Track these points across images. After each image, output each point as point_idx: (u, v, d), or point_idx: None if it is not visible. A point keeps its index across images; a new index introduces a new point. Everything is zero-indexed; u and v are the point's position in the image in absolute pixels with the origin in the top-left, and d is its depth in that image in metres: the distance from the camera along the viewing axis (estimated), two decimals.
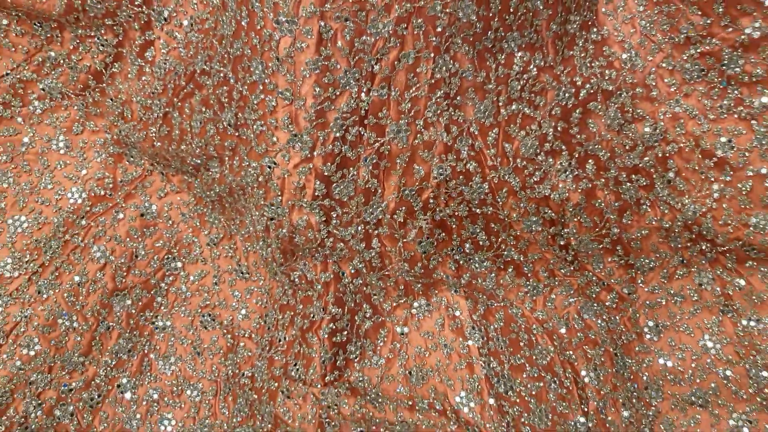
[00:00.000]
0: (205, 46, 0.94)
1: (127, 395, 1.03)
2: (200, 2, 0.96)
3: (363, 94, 0.82)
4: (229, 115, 0.89)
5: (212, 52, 0.91)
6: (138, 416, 1.02)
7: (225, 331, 1.06)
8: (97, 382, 1.02)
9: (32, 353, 1.00)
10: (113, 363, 1.03)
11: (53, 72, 1.07)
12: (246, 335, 1.05)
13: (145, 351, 1.05)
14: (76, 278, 1.03)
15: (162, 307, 1.07)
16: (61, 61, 1.07)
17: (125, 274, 1.05)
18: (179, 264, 1.09)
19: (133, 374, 1.04)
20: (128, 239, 1.07)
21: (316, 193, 0.87)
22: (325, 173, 0.86)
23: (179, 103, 0.98)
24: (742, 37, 0.90)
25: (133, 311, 1.05)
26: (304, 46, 0.78)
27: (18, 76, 1.06)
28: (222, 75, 0.89)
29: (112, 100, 1.07)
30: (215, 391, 1.04)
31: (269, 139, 0.84)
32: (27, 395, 0.98)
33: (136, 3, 0.99)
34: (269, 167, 0.86)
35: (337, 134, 0.84)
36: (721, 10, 0.90)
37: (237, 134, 0.89)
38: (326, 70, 0.80)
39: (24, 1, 1.01)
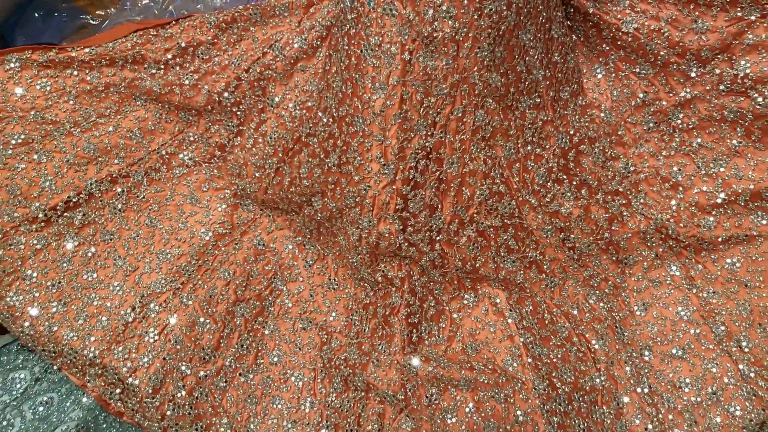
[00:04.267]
0: (309, 117, 1.34)
1: (246, 381, 1.33)
2: (302, 92, 1.38)
3: (429, 137, 1.22)
4: (334, 158, 1.28)
5: (316, 120, 1.32)
6: (255, 397, 1.32)
7: (319, 329, 1.38)
8: (224, 371, 1.33)
9: (178, 347, 1.31)
10: (236, 356, 1.34)
11: (190, 147, 1.47)
12: (337, 330, 1.38)
13: (259, 348, 1.37)
14: (209, 291, 1.37)
15: (270, 315, 1.40)
16: (196, 139, 1.47)
17: (243, 289, 1.39)
18: (283, 281, 1.43)
19: (250, 365, 1.35)
20: (245, 263, 1.41)
21: (397, 207, 1.24)
22: (403, 192, 1.23)
23: (288, 159, 1.37)
24: (678, 98, 1.32)
25: (249, 317, 1.38)
26: (391, 104, 1.19)
27: (166, 150, 1.46)
28: (328, 132, 1.29)
29: (232, 164, 1.46)
30: (314, 376, 1.35)
31: (366, 169, 1.23)
32: (174, 379, 1.28)
33: (256, 94, 1.41)
34: (365, 190, 1.24)
35: (412, 164, 1.22)
36: (663, 81, 1.33)
37: (340, 171, 1.28)
38: (405, 119, 1.19)
39: (177, 98, 1.42)
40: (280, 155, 1.37)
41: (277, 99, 1.39)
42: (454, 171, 1.24)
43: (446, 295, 1.35)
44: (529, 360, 1.25)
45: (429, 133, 1.20)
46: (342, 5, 1.21)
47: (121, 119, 1.40)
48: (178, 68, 1.40)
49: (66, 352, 1.28)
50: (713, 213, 1.31)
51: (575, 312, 1.35)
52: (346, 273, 1.41)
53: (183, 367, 1.28)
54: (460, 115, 1.20)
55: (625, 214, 1.36)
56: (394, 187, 1.22)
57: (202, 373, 1.29)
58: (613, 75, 1.36)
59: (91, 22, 1.71)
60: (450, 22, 1.12)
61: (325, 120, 1.28)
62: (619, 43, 1.32)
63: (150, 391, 1.24)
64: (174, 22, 1.41)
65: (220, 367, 1.31)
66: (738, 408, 1.21)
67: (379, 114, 1.18)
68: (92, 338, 1.28)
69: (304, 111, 1.34)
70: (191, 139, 1.46)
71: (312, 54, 1.36)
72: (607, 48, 1.35)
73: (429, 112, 1.18)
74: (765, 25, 1.20)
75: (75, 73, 1.35)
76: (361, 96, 1.19)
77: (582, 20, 1.35)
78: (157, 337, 1.30)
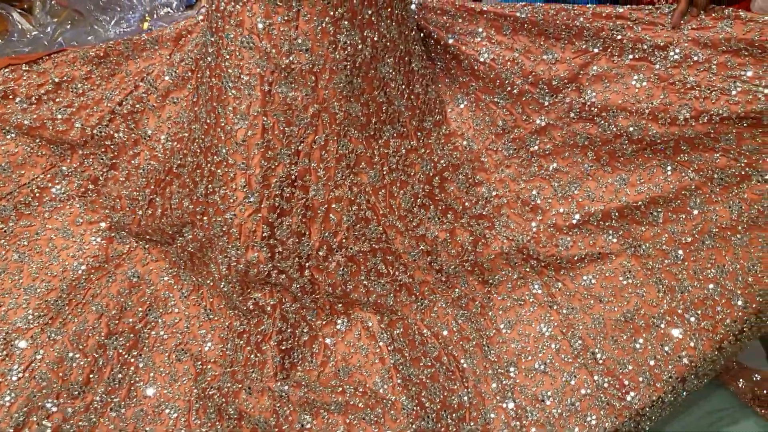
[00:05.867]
0: (179, 148, 1.36)
1: (117, 416, 1.31)
2: (174, 124, 1.40)
3: (293, 165, 1.25)
4: (201, 188, 1.29)
5: (186, 151, 1.34)
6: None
7: (195, 360, 1.38)
8: (94, 406, 1.30)
9: (44, 384, 1.28)
10: (107, 390, 1.32)
11: (63, 180, 1.46)
12: (212, 360, 1.38)
13: (132, 381, 1.35)
14: (80, 326, 1.35)
15: (145, 347, 1.39)
16: (70, 173, 1.46)
17: (117, 322, 1.38)
18: (158, 313, 1.42)
19: (123, 399, 1.33)
20: (118, 296, 1.40)
21: (264, 235, 1.26)
22: (270, 220, 1.26)
23: (160, 190, 1.38)
24: (535, 126, 1.41)
25: (122, 350, 1.36)
26: (253, 134, 1.21)
27: (37, 184, 1.44)
28: (196, 163, 1.30)
29: (105, 197, 1.46)
30: (188, 407, 1.34)
31: (231, 198, 1.25)
32: (39, 417, 1.25)
33: (130, 127, 1.42)
34: (231, 218, 1.25)
35: (277, 192, 1.24)
36: (520, 110, 1.41)
37: (207, 200, 1.29)
38: (268, 148, 1.22)
39: (49, 132, 1.41)
40: (153, 187, 1.38)
41: (150, 131, 1.40)
42: (321, 198, 1.27)
43: (319, 320, 1.37)
44: (399, 381, 1.28)
45: (293, 162, 1.24)
46: (204, 38, 1.24)
47: None
48: (51, 103, 1.40)
49: None
50: (569, 233, 1.39)
51: (445, 332, 1.39)
52: (222, 303, 1.41)
53: (48, 405, 1.25)
54: (323, 143, 1.24)
55: (488, 236, 1.42)
56: (260, 215, 1.24)
57: (69, 409, 1.27)
58: (475, 105, 1.44)
59: None
60: (306, 55, 1.16)
61: (194, 150, 1.30)
62: (477, 73, 1.40)
63: (11, 431, 1.21)
64: (47, 57, 1.41)
65: (90, 402, 1.29)
66: (594, 417, 1.28)
67: (242, 143, 1.21)
68: None
69: (176, 143, 1.36)
70: (65, 172, 1.45)
71: (183, 86, 1.38)
72: (467, 79, 1.43)
73: (292, 141, 1.22)
74: (606, 57, 1.31)
75: None
76: (223, 126, 1.21)
77: (442, 52, 1.43)
78: (21, 375, 1.27)
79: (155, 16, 2.35)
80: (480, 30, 1.38)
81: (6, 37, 2.07)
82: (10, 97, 1.39)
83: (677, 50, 1.23)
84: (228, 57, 1.18)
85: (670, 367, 1.27)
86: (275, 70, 1.17)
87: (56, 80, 1.39)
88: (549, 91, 1.36)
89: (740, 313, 1.24)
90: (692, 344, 1.27)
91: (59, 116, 1.39)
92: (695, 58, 1.22)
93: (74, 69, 1.41)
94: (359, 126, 1.26)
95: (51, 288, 1.37)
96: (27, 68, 1.40)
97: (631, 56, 1.28)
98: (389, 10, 1.21)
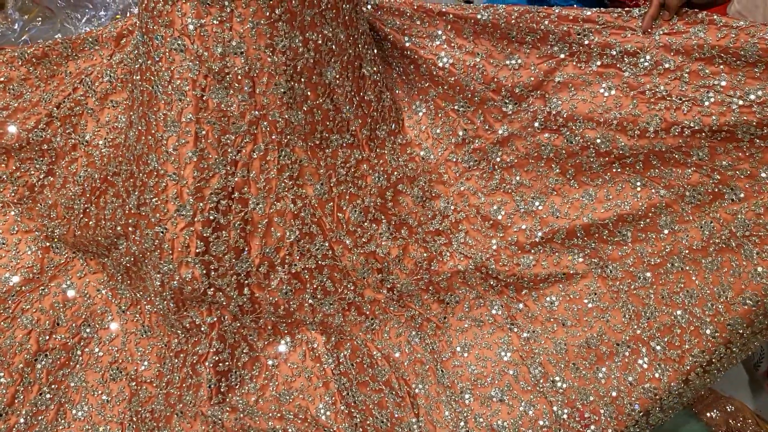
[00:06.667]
0: (116, 155, 1.28)
1: None
2: (112, 129, 1.32)
3: (230, 176, 1.17)
4: (134, 198, 1.21)
5: (121, 158, 1.25)
6: None
7: (130, 380, 1.30)
8: (18, 428, 1.23)
9: None
10: (33, 412, 1.25)
11: None
12: (147, 381, 1.30)
13: (62, 402, 1.27)
14: (6, 342, 1.27)
15: (77, 365, 1.31)
16: (5, 179, 1.39)
17: (48, 337, 1.30)
18: (93, 329, 1.35)
19: (50, 421, 1.25)
20: (51, 310, 1.32)
21: (198, 250, 1.17)
22: (204, 234, 1.17)
23: (95, 199, 1.30)
24: (497, 136, 1.32)
25: (53, 369, 1.29)
26: (185, 142, 1.13)
27: None
28: (129, 171, 1.22)
29: (42, 205, 1.38)
30: (121, 430, 1.26)
31: (162, 210, 1.16)
32: None
33: (68, 131, 1.34)
34: (162, 232, 1.17)
35: (212, 205, 1.16)
36: (481, 119, 1.32)
37: (139, 212, 1.21)
38: (201, 158, 1.13)
39: None
40: (88, 195, 1.30)
41: (88, 136, 1.33)
42: (261, 211, 1.19)
43: (261, 341, 1.29)
44: (343, 407, 1.20)
45: (230, 172, 1.15)
46: (135, 40, 1.16)
47: None
48: None
49: None
50: (532, 251, 1.30)
51: (397, 354, 1.31)
52: (160, 319, 1.33)
53: None
54: (263, 153, 1.16)
55: (445, 253, 1.33)
56: (193, 228, 1.16)
57: None
58: (434, 112, 1.35)
59: None
60: (241, 59, 1.08)
61: (128, 158, 1.22)
62: (436, 79, 1.31)
63: None
64: None
65: (13, 425, 1.21)
66: None
67: (173, 153, 1.12)
68: None
69: (112, 149, 1.28)
70: None
71: (122, 89, 1.30)
72: (426, 85, 1.34)
73: (228, 150, 1.14)
74: (573, 63, 1.22)
75: None
76: (154, 134, 1.13)
77: (399, 56, 1.34)
78: None
79: (127, 14, 2.28)
80: (439, 32, 1.29)
81: None
82: None
83: (647, 57, 1.14)
84: (158, 59, 1.09)
85: (633, 398, 1.18)
86: (208, 74, 1.09)
87: None
88: (512, 99, 1.27)
89: (709, 344, 1.15)
90: (657, 375, 1.18)
91: None
92: (666, 66, 1.13)
93: (12, 69, 1.34)
94: (303, 135, 1.17)
95: None
96: None
97: (599, 62, 1.20)
98: (334, 12, 1.13)
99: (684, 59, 1.12)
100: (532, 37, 1.23)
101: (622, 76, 1.18)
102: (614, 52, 1.17)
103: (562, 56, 1.22)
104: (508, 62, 1.26)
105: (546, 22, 1.20)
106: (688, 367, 1.16)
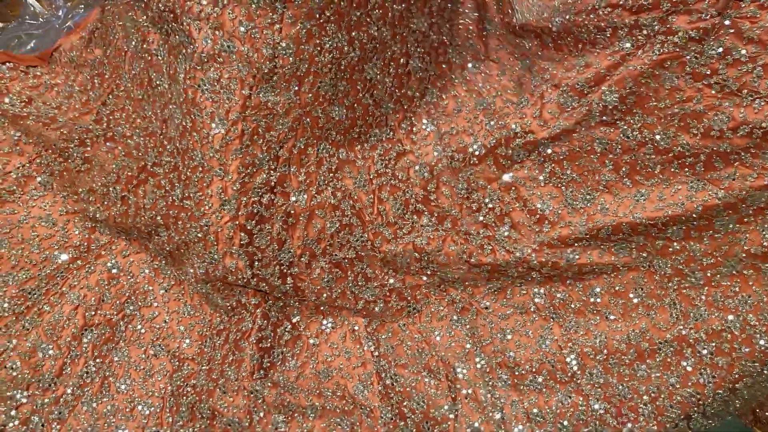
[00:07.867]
0: (155, 145, 1.27)
1: (88, 410, 1.29)
2: (142, 119, 1.30)
3: (272, 171, 1.15)
4: (178, 191, 1.20)
5: (162, 149, 1.24)
6: (97, 428, 1.27)
7: (171, 356, 1.33)
8: (65, 399, 1.27)
9: (14, 374, 1.25)
10: (79, 384, 1.29)
11: (47, 170, 1.41)
12: (189, 357, 1.33)
13: (106, 375, 1.31)
14: (55, 317, 1.31)
15: (121, 341, 1.35)
16: (50, 163, 1.41)
17: (93, 313, 1.33)
18: (136, 306, 1.37)
19: (95, 393, 1.30)
20: (97, 287, 1.35)
21: (242, 242, 1.18)
22: (248, 227, 1.17)
23: (133, 188, 1.31)
24: (550, 131, 1.22)
25: (98, 343, 1.32)
26: (231, 139, 1.11)
27: (23, 172, 1.39)
28: (172, 164, 1.21)
29: (82, 191, 1.40)
30: (162, 405, 1.30)
31: (207, 204, 1.15)
32: (7, 407, 1.23)
33: (101, 125, 1.34)
34: (206, 225, 1.17)
35: (255, 199, 1.15)
36: (537, 114, 1.24)
37: (182, 204, 1.20)
38: (247, 155, 1.12)
39: (33, 126, 1.37)
40: (123, 183, 1.31)
41: (121, 128, 1.33)
42: (302, 204, 1.18)
43: (304, 320, 1.30)
44: (380, 388, 1.22)
45: (272, 167, 1.14)
46: (178, 38, 1.12)
47: None
48: (39, 103, 1.38)
49: None
50: (576, 245, 1.26)
51: (438, 338, 1.31)
52: (203, 299, 1.35)
53: (18, 396, 1.23)
54: (303, 147, 1.14)
55: (486, 247, 1.31)
56: (237, 222, 1.15)
57: (39, 401, 1.24)
58: (492, 107, 1.30)
59: None
60: (291, 59, 1.05)
61: (171, 151, 1.21)
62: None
63: None
64: (45, 65, 1.45)
65: (61, 395, 1.26)
66: None
67: (219, 149, 1.11)
68: None
69: (148, 138, 1.27)
70: (47, 162, 1.40)
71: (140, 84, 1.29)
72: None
73: (271, 147, 1.12)
74: (637, 54, 1.14)
75: None
76: (200, 131, 1.12)
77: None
78: None
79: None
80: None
81: (18, 19, 1.99)
82: (3, 92, 1.38)
83: (715, 45, 1.05)
84: (206, 60, 1.07)
85: (674, 401, 1.17)
86: (257, 74, 1.07)
87: (51, 83, 1.38)
88: (572, 95, 1.20)
89: (761, 354, 1.11)
90: (702, 380, 1.16)
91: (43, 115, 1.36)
92: (736, 56, 1.04)
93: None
94: (343, 129, 1.15)
95: (30, 277, 1.33)
96: (24, 70, 1.40)
97: (660, 50, 1.11)
98: (381, 11, 1.10)
99: (758, 49, 1.02)
100: (602, 36, 1.15)
101: (686, 66, 1.09)
102: (677, 39, 1.08)
103: (627, 48, 1.14)
104: (576, 62, 1.19)
105: (612, 17, 1.12)
106: (736, 376, 1.13)
